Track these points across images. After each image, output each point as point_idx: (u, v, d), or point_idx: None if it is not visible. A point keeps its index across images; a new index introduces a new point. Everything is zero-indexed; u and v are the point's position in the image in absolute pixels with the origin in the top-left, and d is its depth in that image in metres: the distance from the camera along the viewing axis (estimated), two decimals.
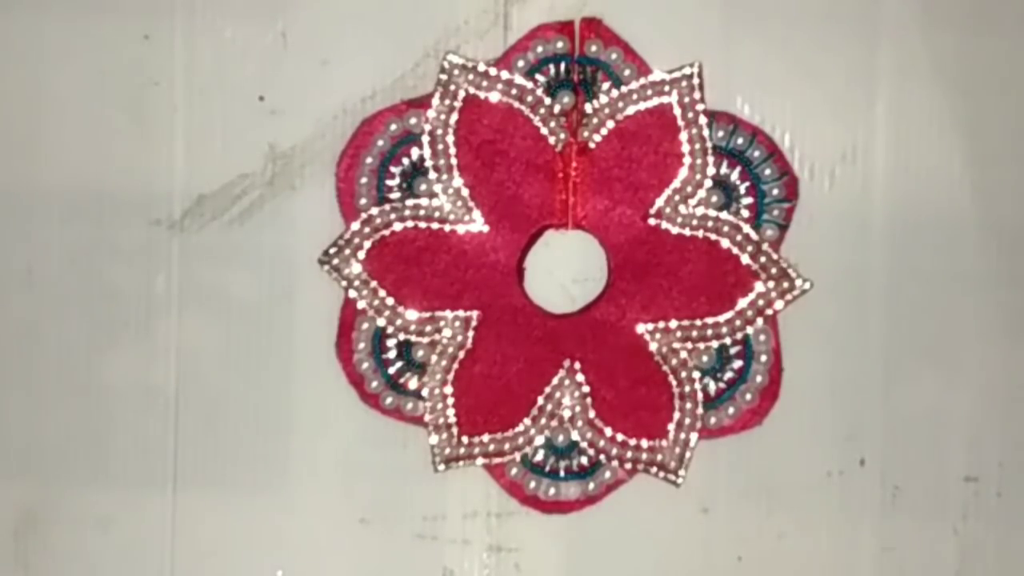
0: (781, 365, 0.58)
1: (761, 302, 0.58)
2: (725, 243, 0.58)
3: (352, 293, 0.58)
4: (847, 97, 0.58)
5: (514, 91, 0.58)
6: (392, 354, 0.59)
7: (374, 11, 0.59)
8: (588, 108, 0.58)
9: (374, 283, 0.58)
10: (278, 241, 0.59)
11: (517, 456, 0.59)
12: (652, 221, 0.58)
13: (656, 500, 0.59)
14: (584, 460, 0.59)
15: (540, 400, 0.58)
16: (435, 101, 0.58)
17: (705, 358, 0.58)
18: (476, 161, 0.58)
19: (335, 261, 0.58)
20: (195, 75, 0.59)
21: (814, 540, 0.59)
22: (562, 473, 0.59)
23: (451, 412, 0.58)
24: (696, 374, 0.58)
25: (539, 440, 0.58)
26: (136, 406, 0.59)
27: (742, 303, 0.58)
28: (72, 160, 0.59)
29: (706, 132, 0.58)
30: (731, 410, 0.58)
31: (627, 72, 0.58)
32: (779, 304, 0.58)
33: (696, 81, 0.58)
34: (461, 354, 0.58)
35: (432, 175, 0.58)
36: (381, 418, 0.59)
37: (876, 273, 0.59)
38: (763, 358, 0.58)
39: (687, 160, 0.58)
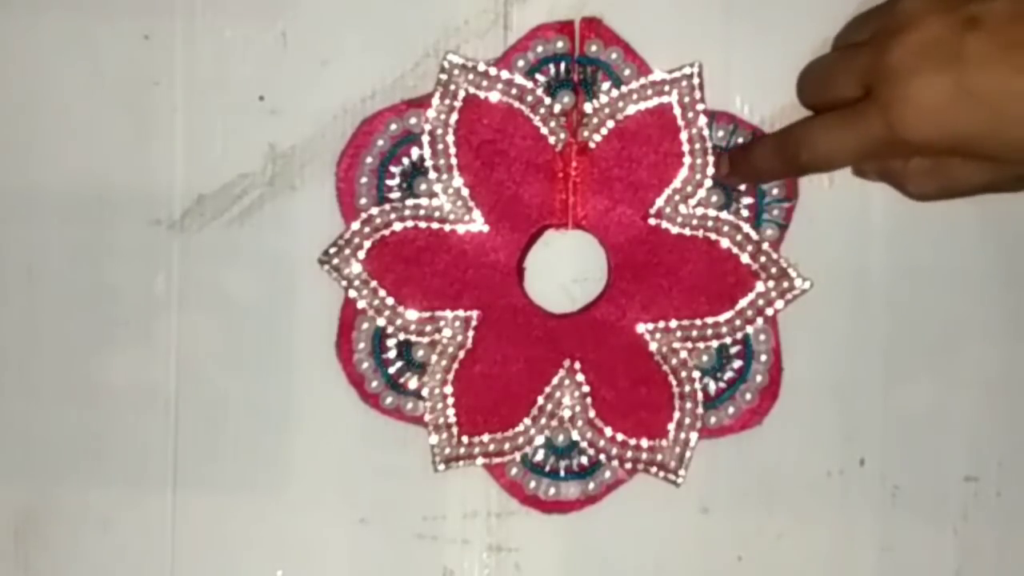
0: (781, 365, 0.58)
1: (761, 302, 0.58)
2: (725, 243, 0.58)
3: (352, 293, 0.58)
4: None
5: (514, 91, 0.58)
6: (392, 354, 0.59)
7: (374, 11, 0.59)
8: (588, 108, 0.58)
9: (374, 283, 0.58)
10: (278, 241, 0.59)
11: (517, 456, 0.59)
12: (652, 221, 0.58)
13: (656, 500, 0.59)
14: (584, 460, 0.59)
15: (540, 400, 0.58)
16: (435, 101, 0.58)
17: (705, 358, 0.58)
18: (476, 161, 0.58)
19: (335, 261, 0.58)
20: (195, 75, 0.59)
21: (814, 540, 0.59)
22: (562, 473, 0.59)
23: (451, 412, 0.58)
24: (696, 374, 0.58)
25: (539, 440, 0.58)
26: (136, 406, 0.59)
27: (742, 303, 0.58)
28: (72, 160, 0.59)
29: (706, 132, 0.58)
30: (731, 410, 0.58)
31: (627, 72, 0.58)
32: (779, 304, 0.58)
33: (696, 81, 0.58)
34: (461, 354, 0.58)
35: (432, 175, 0.58)
36: (381, 418, 0.59)
37: (876, 273, 0.59)
38: (763, 358, 0.58)
39: (687, 160, 0.58)
